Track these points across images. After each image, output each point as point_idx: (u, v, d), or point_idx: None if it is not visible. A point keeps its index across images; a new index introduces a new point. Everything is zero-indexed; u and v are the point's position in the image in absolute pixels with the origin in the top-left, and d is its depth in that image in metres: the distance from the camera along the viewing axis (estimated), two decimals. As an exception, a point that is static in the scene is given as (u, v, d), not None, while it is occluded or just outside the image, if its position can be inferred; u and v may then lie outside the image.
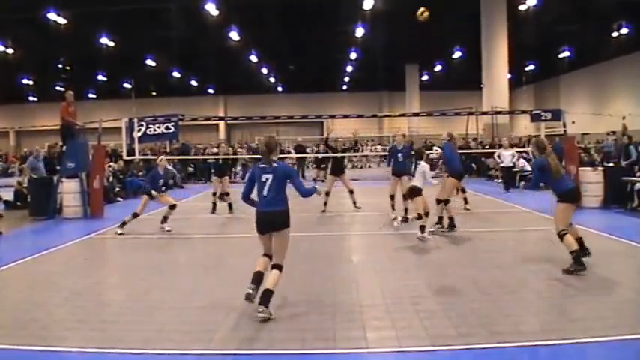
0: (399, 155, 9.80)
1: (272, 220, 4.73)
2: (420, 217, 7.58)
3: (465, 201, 11.19)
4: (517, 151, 15.48)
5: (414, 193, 7.70)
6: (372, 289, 5.41)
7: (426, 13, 11.24)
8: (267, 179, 4.73)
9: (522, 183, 7.31)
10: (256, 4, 20.82)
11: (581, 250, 5.97)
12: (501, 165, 14.96)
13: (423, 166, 7.67)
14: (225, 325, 4.41)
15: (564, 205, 6.05)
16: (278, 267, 4.70)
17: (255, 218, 4.79)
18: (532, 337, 3.93)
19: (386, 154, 13.35)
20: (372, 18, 20.90)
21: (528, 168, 15.34)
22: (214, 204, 11.55)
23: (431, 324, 4.27)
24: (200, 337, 4.10)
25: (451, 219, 8.43)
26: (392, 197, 9.90)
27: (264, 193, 4.74)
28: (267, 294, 4.53)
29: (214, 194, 11.66)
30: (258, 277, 4.69)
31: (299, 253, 7.21)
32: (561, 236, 5.94)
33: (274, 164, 4.78)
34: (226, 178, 12.04)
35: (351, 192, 11.28)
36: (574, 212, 6.14)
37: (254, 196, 4.92)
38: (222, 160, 12.30)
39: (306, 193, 4.96)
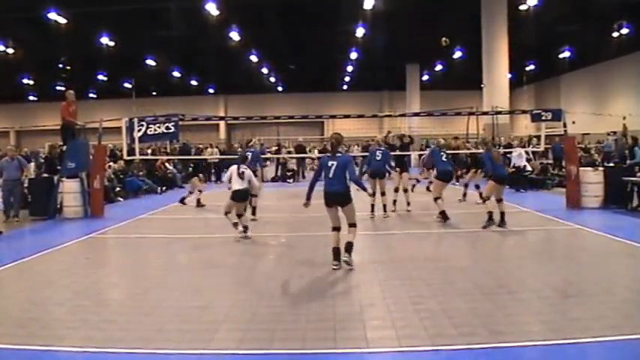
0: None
1: (337, 199, 6.17)
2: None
3: (464, 196, 11.92)
4: (525, 151, 15.63)
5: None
6: (372, 288, 5.41)
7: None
8: (332, 164, 6.19)
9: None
10: (256, 4, 20.78)
11: (502, 221, 8.52)
12: (515, 165, 15.03)
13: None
14: (225, 325, 4.41)
15: (494, 184, 8.67)
16: (353, 225, 6.25)
17: (323, 194, 6.20)
18: (532, 337, 3.93)
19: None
20: (373, 18, 20.83)
21: (529, 168, 15.36)
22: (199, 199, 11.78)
23: (431, 324, 4.27)
24: (200, 337, 4.10)
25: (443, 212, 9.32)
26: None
27: (330, 175, 6.16)
28: (349, 245, 6.12)
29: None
30: (337, 253, 6.12)
31: (299, 253, 7.23)
32: (484, 199, 8.97)
33: (338, 154, 6.30)
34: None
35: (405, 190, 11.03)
36: (502, 189, 8.75)
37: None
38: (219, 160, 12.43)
39: (356, 181, 6.31)
